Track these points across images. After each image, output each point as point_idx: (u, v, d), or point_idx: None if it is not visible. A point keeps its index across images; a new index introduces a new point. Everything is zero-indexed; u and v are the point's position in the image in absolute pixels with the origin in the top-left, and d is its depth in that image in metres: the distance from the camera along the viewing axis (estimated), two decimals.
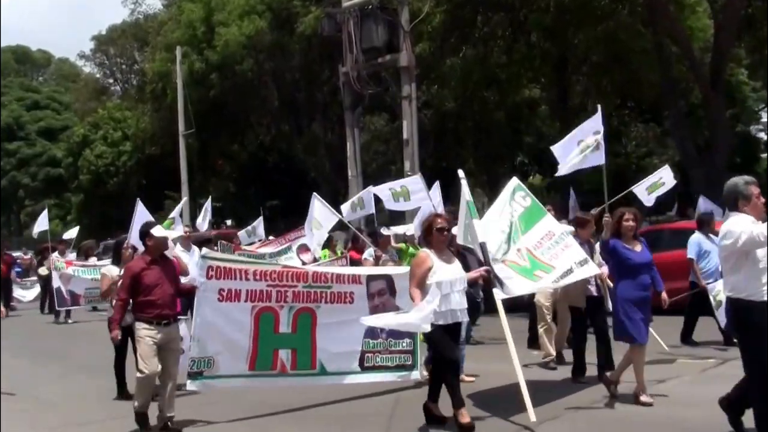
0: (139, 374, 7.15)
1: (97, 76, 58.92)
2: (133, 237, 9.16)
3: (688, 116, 26.06)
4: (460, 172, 8.17)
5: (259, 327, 7.54)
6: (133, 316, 7.64)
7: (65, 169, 49.59)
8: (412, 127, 21.80)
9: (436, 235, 7.02)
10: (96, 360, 11.21)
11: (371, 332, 7.96)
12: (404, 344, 8.24)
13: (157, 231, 7.45)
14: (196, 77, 33.96)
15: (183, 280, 7.99)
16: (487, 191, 34.15)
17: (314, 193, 11.90)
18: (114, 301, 7.46)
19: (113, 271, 8.85)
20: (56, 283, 17.09)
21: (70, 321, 18.48)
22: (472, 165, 39.81)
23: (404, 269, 8.17)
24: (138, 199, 10.11)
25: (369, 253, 10.55)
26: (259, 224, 17.62)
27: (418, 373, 8.40)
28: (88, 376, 10.67)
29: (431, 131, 32.87)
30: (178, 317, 7.61)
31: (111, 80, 58.17)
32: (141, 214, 9.52)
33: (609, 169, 9.82)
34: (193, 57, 34.08)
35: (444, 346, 6.82)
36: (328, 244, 14.77)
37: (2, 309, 9.23)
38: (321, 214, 11.42)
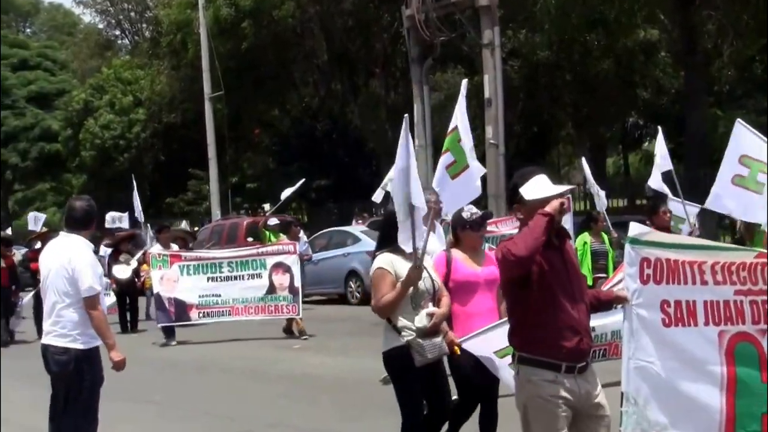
0: None
1: (100, 26, 60.43)
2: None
3: None
4: None
5: (737, 372, 5.23)
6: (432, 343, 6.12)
7: (63, 144, 50.83)
8: (496, 83, 22.15)
9: None
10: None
11: None
12: None
13: (537, 187, 4.93)
14: (223, 26, 34.63)
15: None
16: (591, 163, 34.28)
17: (738, 120, 8.83)
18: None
19: (400, 265, 6.13)
20: (156, 287, 16.01)
21: (173, 343, 16.05)
22: (570, 129, 39.88)
23: None
24: None
25: None
26: None
27: None
28: None
29: (519, 88, 33.09)
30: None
31: (117, 32, 59.54)
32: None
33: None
34: (219, 1, 34.67)
35: None
36: None
37: (116, 354, 6.92)
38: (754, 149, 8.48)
